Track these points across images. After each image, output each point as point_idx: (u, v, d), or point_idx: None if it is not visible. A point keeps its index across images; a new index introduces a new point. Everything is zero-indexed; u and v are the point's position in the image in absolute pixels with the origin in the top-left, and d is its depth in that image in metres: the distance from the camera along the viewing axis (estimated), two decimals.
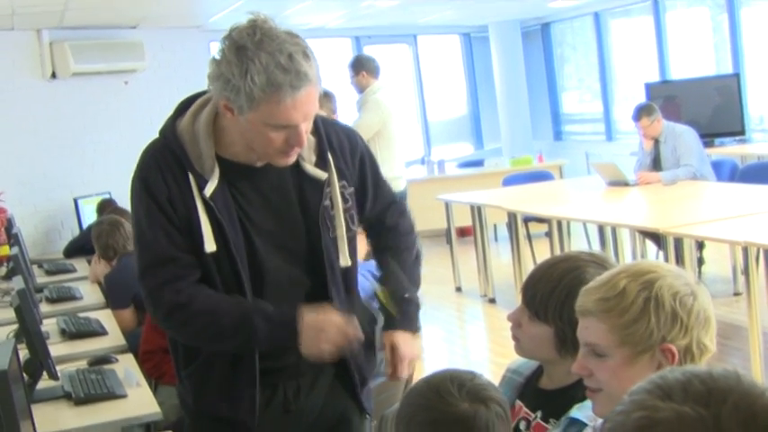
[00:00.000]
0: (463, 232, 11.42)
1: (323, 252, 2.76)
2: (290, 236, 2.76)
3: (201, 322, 2.65)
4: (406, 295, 2.93)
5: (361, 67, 8.42)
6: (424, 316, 8.54)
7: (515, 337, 2.51)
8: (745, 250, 5.74)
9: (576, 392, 2.29)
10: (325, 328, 2.66)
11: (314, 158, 2.77)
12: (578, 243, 9.77)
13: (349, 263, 2.82)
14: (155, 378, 4.89)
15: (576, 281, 2.30)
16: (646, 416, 1.14)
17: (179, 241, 2.63)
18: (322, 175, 2.77)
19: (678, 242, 6.48)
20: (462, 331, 8.77)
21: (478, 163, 13.06)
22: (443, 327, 8.62)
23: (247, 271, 2.68)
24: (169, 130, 2.69)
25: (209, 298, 2.65)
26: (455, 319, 9.10)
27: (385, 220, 3.04)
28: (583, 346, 2.08)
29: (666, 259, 6.47)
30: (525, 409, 2.50)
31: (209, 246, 2.63)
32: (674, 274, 2.03)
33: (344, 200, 2.82)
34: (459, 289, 9.73)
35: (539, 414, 2.45)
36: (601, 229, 8.35)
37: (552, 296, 2.40)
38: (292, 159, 2.66)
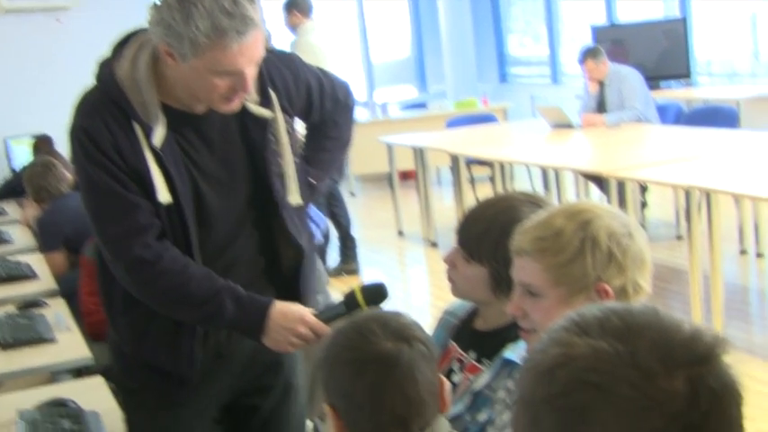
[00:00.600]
0: (406, 175, 11.43)
1: (272, 191, 2.74)
2: (237, 179, 2.72)
3: (166, 284, 2.59)
4: (310, 179, 2.96)
5: (293, 6, 8.29)
6: (365, 259, 8.59)
7: (451, 279, 2.51)
8: (687, 193, 5.79)
9: (509, 333, 2.29)
10: (294, 328, 2.63)
11: (257, 98, 2.72)
12: (522, 186, 9.82)
13: (300, 201, 2.80)
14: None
15: (511, 220, 2.30)
16: (562, 353, 1.13)
17: (134, 189, 2.56)
18: (266, 113, 2.73)
19: (621, 185, 6.53)
20: (404, 275, 8.82)
21: (422, 105, 13.05)
22: (385, 270, 8.66)
23: (194, 222, 2.63)
24: (108, 76, 2.58)
25: (177, 261, 2.59)
26: (396, 264, 9.14)
27: (327, 117, 3.04)
28: (517, 286, 2.08)
29: (609, 202, 6.51)
30: (459, 350, 2.51)
31: (164, 197, 2.56)
32: (611, 215, 2.05)
33: (289, 134, 2.79)
34: (400, 233, 9.75)
35: (472, 355, 2.46)
36: (544, 173, 8.41)
37: (486, 236, 2.39)
38: (237, 106, 2.61)
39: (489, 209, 2.45)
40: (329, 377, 1.99)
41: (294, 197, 2.78)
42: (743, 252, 7.63)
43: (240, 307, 2.61)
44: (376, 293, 2.65)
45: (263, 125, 2.73)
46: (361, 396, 1.92)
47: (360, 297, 2.62)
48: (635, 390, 1.07)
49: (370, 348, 1.93)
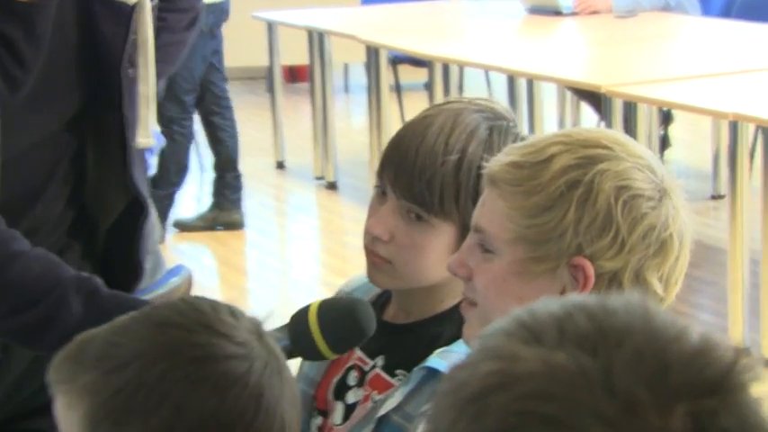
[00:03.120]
0: (294, 74, 11.42)
1: (122, 118, 2.76)
2: (66, 95, 2.75)
3: None
4: None
5: None
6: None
7: (381, 259, 2.42)
8: (734, 126, 5.79)
9: (439, 328, 2.34)
10: None
11: None
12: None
13: (153, 142, 2.87)
14: None
15: (472, 137, 2.32)
16: (499, 370, 1.11)
17: None
18: None
19: (629, 109, 6.50)
20: (283, 232, 8.89)
21: None
22: (254, 223, 8.62)
23: None
24: None
25: None
26: (273, 213, 9.22)
27: None
28: (472, 231, 2.08)
29: None
30: (360, 353, 2.49)
31: None
32: (641, 163, 2.00)
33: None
34: (281, 165, 9.81)
35: (379, 361, 2.45)
36: (512, 83, 8.39)
37: (442, 172, 2.34)
38: None
39: (432, 124, 2.39)
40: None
41: (144, 135, 2.78)
42: None
43: (95, 303, 2.51)
44: (348, 325, 2.34)
45: (123, 14, 2.72)
46: None
47: (314, 320, 2.29)
48: (609, 427, 1.07)
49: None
